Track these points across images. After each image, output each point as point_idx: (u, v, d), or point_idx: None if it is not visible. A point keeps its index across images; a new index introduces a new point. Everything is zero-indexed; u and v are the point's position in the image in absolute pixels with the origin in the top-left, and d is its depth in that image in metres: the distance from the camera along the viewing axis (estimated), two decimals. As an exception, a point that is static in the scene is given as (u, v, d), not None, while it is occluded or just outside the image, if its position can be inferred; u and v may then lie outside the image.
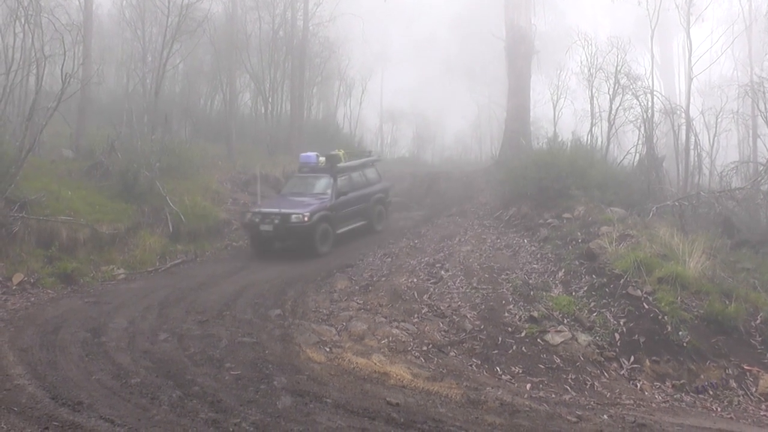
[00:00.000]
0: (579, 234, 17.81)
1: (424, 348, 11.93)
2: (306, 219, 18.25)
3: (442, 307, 13.72)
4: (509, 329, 12.89)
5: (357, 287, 14.83)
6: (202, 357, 10.36)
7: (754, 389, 11.99)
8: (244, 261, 18.16)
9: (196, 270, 16.95)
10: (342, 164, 20.70)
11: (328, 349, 11.32)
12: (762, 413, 11.38)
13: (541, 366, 11.83)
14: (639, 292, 13.87)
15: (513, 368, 11.71)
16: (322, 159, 20.74)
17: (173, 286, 14.78)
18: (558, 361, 12.04)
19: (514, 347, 12.29)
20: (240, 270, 16.93)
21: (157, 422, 7.55)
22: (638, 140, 24.64)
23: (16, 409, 7.51)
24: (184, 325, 12.00)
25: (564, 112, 32.59)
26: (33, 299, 13.05)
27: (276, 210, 18.38)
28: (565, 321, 13.34)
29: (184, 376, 9.49)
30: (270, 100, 33.01)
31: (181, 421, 7.65)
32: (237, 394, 8.93)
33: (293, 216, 18.21)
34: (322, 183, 19.96)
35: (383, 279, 15.35)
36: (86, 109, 23.34)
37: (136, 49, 27.46)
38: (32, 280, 13.76)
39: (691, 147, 22.95)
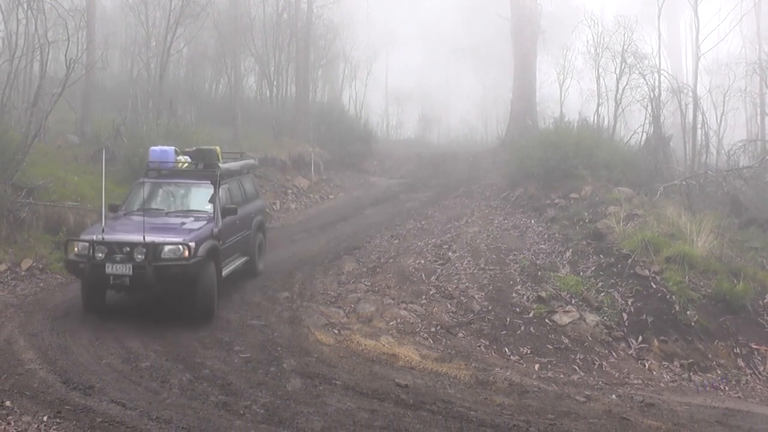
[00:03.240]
0: (586, 214, 17.78)
1: (433, 329, 11.95)
2: (188, 253, 10.85)
3: (449, 289, 13.73)
4: (517, 310, 12.90)
5: (365, 269, 14.84)
6: (212, 340, 10.40)
7: (761, 368, 12.02)
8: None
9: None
10: (225, 167, 13.58)
11: (336, 331, 11.36)
12: (770, 391, 11.40)
13: (549, 346, 11.85)
14: (647, 272, 13.86)
15: (521, 349, 11.73)
16: (182, 158, 13.76)
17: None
18: (566, 341, 12.06)
19: (522, 328, 12.30)
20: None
21: (168, 405, 7.58)
22: (645, 120, 24.56)
23: (28, 393, 7.56)
24: (193, 308, 12.00)
25: (570, 92, 32.54)
26: (42, 284, 13.09)
27: (133, 238, 10.80)
28: (573, 301, 13.35)
29: (194, 359, 9.53)
30: (275, 83, 32.91)
31: (191, 404, 7.68)
32: (247, 376, 8.97)
33: (167, 248, 10.82)
34: (199, 195, 12.71)
35: (391, 261, 15.35)
36: (91, 94, 23.32)
37: (140, 34, 27.36)
38: (41, 266, 13.79)
39: (699, 126, 22.85)
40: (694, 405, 10.13)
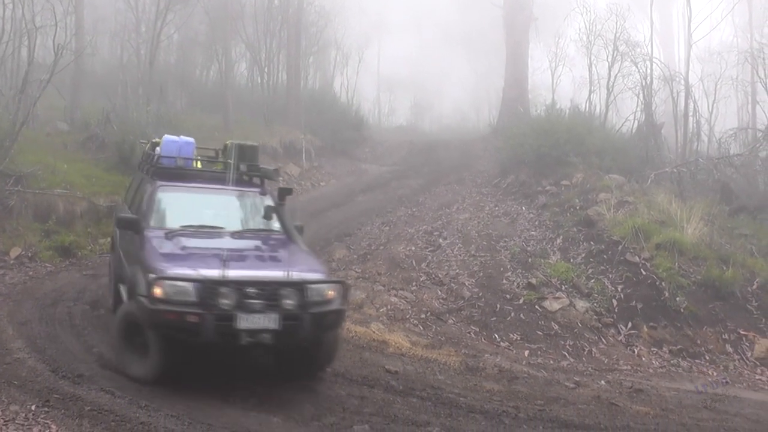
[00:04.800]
0: (577, 201, 17.80)
1: (423, 316, 11.97)
2: (332, 293, 8.09)
3: (440, 275, 13.74)
4: (507, 296, 12.93)
5: (355, 256, 14.83)
6: (203, 326, 10.36)
7: (749, 354, 12.09)
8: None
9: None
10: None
11: (326, 318, 11.33)
12: (757, 377, 11.48)
13: (539, 333, 11.89)
14: (637, 259, 13.91)
15: (511, 335, 11.77)
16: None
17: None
18: (556, 327, 12.10)
19: (512, 314, 12.34)
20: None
21: (157, 393, 7.53)
22: (637, 107, 24.55)
23: (16, 382, 7.51)
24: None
25: (562, 79, 32.51)
26: (31, 273, 13.01)
27: (271, 274, 8.01)
28: (563, 288, 13.38)
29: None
30: (266, 70, 32.76)
31: (181, 391, 7.66)
32: (240, 363, 8.95)
33: (313, 287, 7.92)
34: (249, 207, 10.00)
35: (381, 248, 15.35)
36: (80, 81, 23.18)
37: (130, 20, 27.16)
38: (30, 254, 13.71)
39: (690, 114, 22.85)
40: (682, 390, 10.19)
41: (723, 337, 12.41)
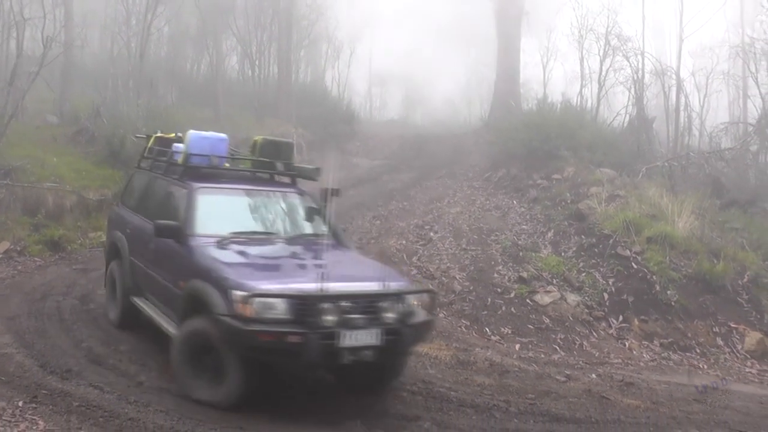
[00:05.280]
0: (568, 195, 17.79)
1: (414, 310, 11.93)
2: (421, 304, 7.63)
3: (431, 269, 13.72)
4: (498, 290, 12.91)
5: (346, 251, 14.78)
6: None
7: (740, 347, 12.14)
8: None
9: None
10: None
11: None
12: (747, 370, 11.53)
13: (530, 326, 11.89)
14: (628, 252, 13.91)
15: (502, 329, 11.76)
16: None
17: (162, 252, 14.66)
18: (547, 321, 12.10)
19: (504, 308, 12.33)
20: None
21: (146, 388, 7.52)
22: (628, 101, 24.59)
23: (3, 378, 7.45)
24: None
25: (554, 73, 32.49)
26: (20, 267, 12.93)
27: (366, 287, 7.38)
28: (554, 281, 13.38)
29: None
30: (257, 63, 32.65)
31: (170, 386, 7.61)
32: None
33: (408, 298, 7.43)
34: (290, 210, 9.34)
35: (372, 241, 15.32)
36: (70, 73, 23.05)
37: (120, 12, 26.98)
38: (19, 248, 13.63)
39: (682, 108, 22.92)
40: (673, 383, 10.21)
41: (714, 330, 12.45)
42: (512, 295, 12.75)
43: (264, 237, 8.60)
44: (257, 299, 6.64)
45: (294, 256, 8.24)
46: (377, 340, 6.94)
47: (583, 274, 13.65)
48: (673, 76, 23.81)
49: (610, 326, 12.31)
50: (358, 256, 8.84)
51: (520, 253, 14.59)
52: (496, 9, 33.47)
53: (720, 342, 12.23)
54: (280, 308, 6.66)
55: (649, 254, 13.74)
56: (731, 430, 8.22)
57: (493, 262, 14.17)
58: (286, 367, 7.39)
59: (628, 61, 24.18)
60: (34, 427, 6.16)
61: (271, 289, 6.84)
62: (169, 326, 8.00)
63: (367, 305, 7.02)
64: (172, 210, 8.71)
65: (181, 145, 9.30)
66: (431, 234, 15.87)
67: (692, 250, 14.07)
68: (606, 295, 12.98)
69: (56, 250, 14.14)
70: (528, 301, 12.58)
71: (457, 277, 13.41)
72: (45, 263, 13.25)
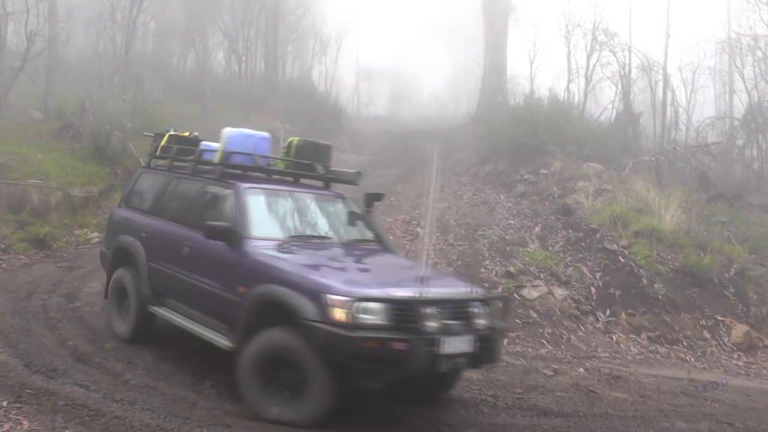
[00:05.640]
0: (555, 189, 17.82)
1: (402, 306, 11.91)
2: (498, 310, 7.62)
3: (418, 265, 13.68)
4: (486, 285, 12.87)
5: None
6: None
7: (726, 339, 12.21)
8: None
9: (171, 232, 16.72)
10: None
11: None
12: (734, 362, 11.60)
13: (517, 321, 11.88)
14: (615, 246, 13.95)
15: (490, 324, 11.74)
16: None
17: (148, 249, 14.58)
18: (534, 315, 12.11)
19: (491, 303, 12.31)
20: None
21: (132, 386, 7.45)
22: (615, 96, 24.65)
23: (-12, 377, 7.40)
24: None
25: (541, 69, 32.55)
26: (4, 265, 12.80)
27: (457, 291, 7.28)
28: (542, 276, 13.39)
29: (160, 339, 9.40)
30: (244, 58, 32.54)
31: (157, 384, 7.57)
32: (213, 356, 8.85)
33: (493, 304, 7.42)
34: (332, 213, 9.03)
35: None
36: (54, 69, 22.83)
37: (105, 7, 26.78)
38: (3, 246, 13.50)
39: (668, 103, 23.02)
40: (660, 376, 10.24)
41: (700, 323, 12.51)
42: (499, 289, 12.74)
43: (319, 241, 8.25)
44: (360, 304, 6.28)
45: (360, 261, 7.99)
46: (471, 347, 6.69)
47: (571, 269, 13.68)
48: (660, 72, 23.91)
49: (597, 320, 12.34)
50: (412, 262, 8.50)
51: (508, 248, 14.59)
52: (484, 4, 33.47)
53: (707, 335, 12.29)
54: (379, 314, 6.32)
55: (636, 248, 13.77)
56: (718, 423, 8.25)
57: (480, 257, 14.16)
58: (380, 377, 6.83)
59: (615, 56, 24.28)
60: (19, 427, 6.09)
61: (374, 293, 6.49)
62: (217, 337, 7.44)
63: (462, 311, 6.83)
64: (211, 212, 8.12)
65: (211, 144, 9.01)
66: (418, 229, 15.85)
67: (679, 243, 14.12)
68: (593, 289, 13.01)
69: (41, 248, 14.03)
70: (515, 295, 12.58)
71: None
72: (30, 261, 13.14)
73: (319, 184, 9.32)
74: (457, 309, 6.77)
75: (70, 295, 11.20)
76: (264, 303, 6.92)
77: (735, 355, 11.88)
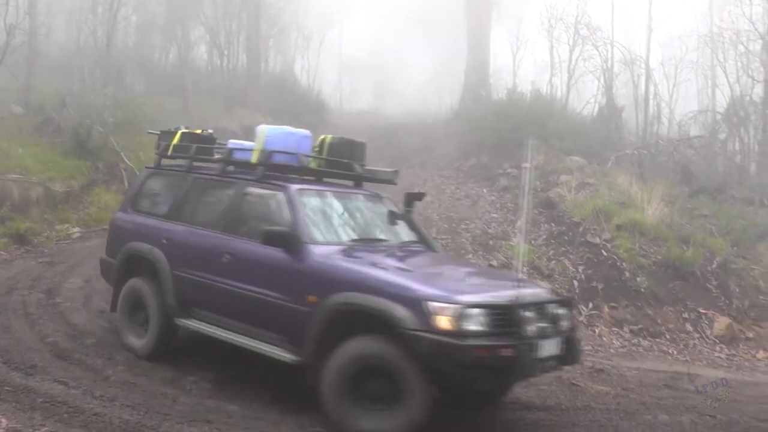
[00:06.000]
0: (538, 183, 17.83)
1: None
2: None
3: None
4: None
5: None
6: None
7: (709, 332, 12.27)
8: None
9: (153, 227, 16.61)
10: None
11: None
12: (716, 355, 11.65)
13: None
14: (597, 240, 13.99)
15: (473, 318, 11.73)
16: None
17: (130, 244, 14.48)
18: (518, 309, 12.09)
19: (475, 297, 12.30)
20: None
21: (113, 383, 7.38)
22: (598, 90, 24.71)
23: (-34, 375, 7.31)
24: (141, 282, 11.78)
25: (524, 63, 32.58)
26: (-16, 261, 12.73)
27: (542, 293, 7.26)
28: (524, 269, 13.37)
29: (141, 334, 9.35)
30: (226, 52, 32.37)
31: (137, 380, 7.50)
32: (196, 351, 8.81)
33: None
34: (374, 214, 8.52)
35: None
36: (35, 62, 22.59)
37: (85, 0, 26.56)
38: (-18, 241, 13.42)
39: (651, 97, 23.09)
40: (643, 369, 10.27)
41: (683, 315, 12.56)
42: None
43: (378, 244, 7.87)
44: (465, 311, 6.05)
45: (431, 264, 7.80)
46: (559, 349, 6.61)
47: (553, 262, 13.71)
48: (643, 66, 23.97)
49: (580, 313, 12.34)
50: (469, 262, 8.43)
51: (490, 242, 14.61)
52: (467, -2, 33.45)
53: (689, 327, 12.34)
54: (482, 320, 6.11)
55: (618, 241, 13.81)
56: (701, 415, 8.27)
57: (463, 251, 14.16)
58: (480, 384, 6.82)
59: (598, 50, 24.33)
60: (-3, 425, 6.04)
61: (477, 299, 6.29)
62: (275, 350, 7.01)
63: (551, 314, 6.68)
64: (255, 216, 7.84)
65: (242, 143, 8.64)
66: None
67: (661, 236, 14.17)
68: (576, 283, 13.04)
69: (22, 243, 13.91)
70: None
71: (428, 267, 13.38)
72: (10, 257, 13.01)
73: (357, 183, 8.93)
74: (547, 312, 6.65)
75: (51, 290, 11.10)
76: (346, 312, 6.57)
77: (717, 348, 11.94)
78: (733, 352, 11.92)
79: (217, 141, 9.22)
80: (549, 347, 6.45)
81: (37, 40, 22.71)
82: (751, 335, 12.44)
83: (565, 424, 7.63)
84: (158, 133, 9.53)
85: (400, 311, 6.13)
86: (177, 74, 29.44)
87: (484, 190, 19.10)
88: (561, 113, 23.95)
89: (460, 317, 6.01)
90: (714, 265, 13.65)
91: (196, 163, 8.80)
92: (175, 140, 8.97)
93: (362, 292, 6.46)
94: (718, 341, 12.12)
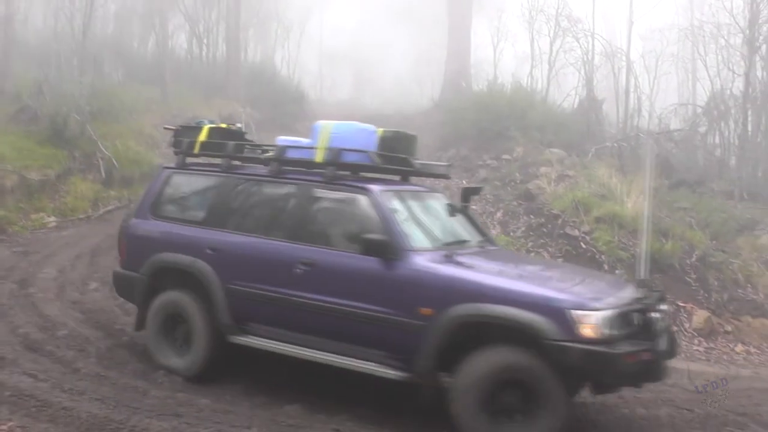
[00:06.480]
0: (518, 175, 17.81)
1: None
2: None
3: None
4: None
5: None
6: (133, 305, 9.96)
7: (687, 325, 12.26)
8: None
9: (129, 217, 16.43)
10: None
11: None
12: (695, 348, 11.66)
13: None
14: (577, 232, 13.95)
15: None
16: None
17: (106, 233, 14.28)
18: (496, 302, 12.04)
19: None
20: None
21: (83, 376, 7.26)
22: (578, 83, 24.70)
23: (-69, 369, 7.15)
24: (116, 273, 11.64)
25: (505, 54, 32.49)
26: (-45, 251, 12.53)
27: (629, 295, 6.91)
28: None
29: (114, 325, 9.22)
30: (205, 42, 32.12)
31: (108, 373, 7.39)
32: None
33: None
34: (439, 213, 7.98)
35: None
36: (11, 49, 22.27)
37: (62, -13, 26.19)
38: (-44, 230, 13.23)
39: (631, 89, 23.07)
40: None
41: (662, 309, 12.55)
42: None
43: (464, 246, 7.51)
44: (605, 317, 6.00)
45: (536, 268, 7.74)
46: (667, 345, 6.57)
47: (532, 254, 13.65)
48: (623, 58, 23.95)
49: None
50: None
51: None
52: (448, -11, 33.39)
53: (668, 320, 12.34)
54: (617, 325, 6.10)
55: (597, 234, 13.79)
56: (678, 408, 8.25)
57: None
58: (611, 390, 6.83)
59: (578, 42, 24.27)
60: (-39, 419, 5.89)
61: (613, 303, 6.27)
62: (379, 368, 6.63)
63: (661, 312, 6.61)
64: (334, 222, 7.45)
65: (296, 139, 8.08)
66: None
67: (641, 229, 14.13)
68: (555, 275, 13.00)
69: (-4, 232, 13.73)
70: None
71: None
72: (-18, 248, 12.84)
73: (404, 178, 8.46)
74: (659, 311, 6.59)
75: (24, 281, 10.97)
76: (472, 324, 6.27)
77: (696, 341, 11.94)
78: (712, 345, 11.92)
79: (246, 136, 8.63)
80: (664, 344, 6.45)
81: (13, 26, 22.40)
82: (729, 329, 12.44)
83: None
84: (176, 128, 8.63)
85: (543, 322, 5.96)
86: (156, 63, 29.14)
87: (464, 182, 19.01)
88: (541, 105, 23.92)
89: (601, 324, 5.94)
90: (693, 259, 13.65)
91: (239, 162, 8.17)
92: (203, 136, 8.21)
93: (490, 302, 6.18)
94: (696, 334, 12.12)
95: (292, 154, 7.66)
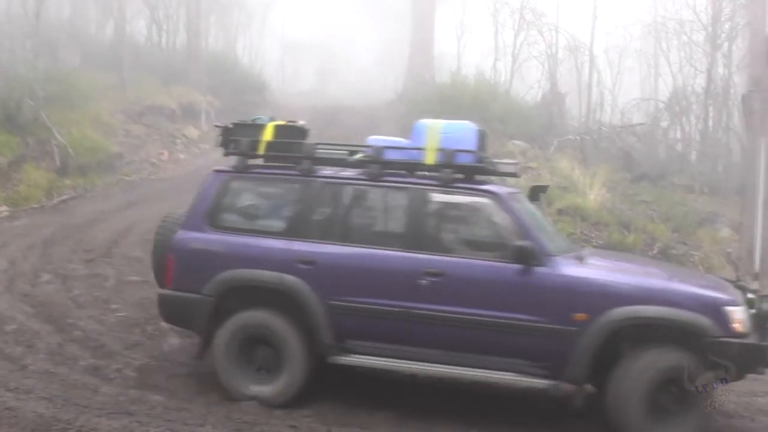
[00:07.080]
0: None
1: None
2: None
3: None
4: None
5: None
6: (87, 298, 9.73)
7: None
8: (136, 196, 17.26)
9: (85, 206, 16.03)
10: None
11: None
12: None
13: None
14: (540, 225, 13.91)
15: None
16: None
17: (60, 223, 13.97)
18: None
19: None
20: (131, 206, 16.12)
21: (31, 373, 6.94)
22: (542, 76, 24.76)
23: None
24: (69, 264, 11.30)
25: (469, 47, 32.48)
26: None
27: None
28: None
29: (66, 319, 8.86)
30: (165, 28, 31.56)
31: (58, 369, 7.08)
32: (121, 337, 8.39)
33: None
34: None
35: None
36: (-40, 33, 21.69)
37: (15, -32, 25.50)
38: None
39: (594, 84, 23.21)
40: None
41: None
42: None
43: (574, 246, 7.57)
44: (747, 312, 6.29)
45: (638, 263, 8.17)
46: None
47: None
48: (587, 53, 24.06)
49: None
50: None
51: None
52: (411, -20, 33.25)
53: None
54: (748, 319, 6.30)
55: (560, 225, 13.73)
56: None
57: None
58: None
59: (542, 36, 24.41)
60: None
61: (742, 299, 6.49)
62: (523, 378, 6.47)
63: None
64: (457, 227, 7.04)
65: (393, 140, 7.50)
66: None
67: (603, 221, 14.21)
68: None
69: (-56, 222, 13.28)
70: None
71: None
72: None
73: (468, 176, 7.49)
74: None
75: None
76: (632, 327, 6.23)
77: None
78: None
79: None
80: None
81: (-38, 8, 21.77)
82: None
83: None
84: (227, 126, 7.48)
85: (704, 320, 6.09)
86: (114, 49, 28.49)
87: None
88: (504, 97, 23.97)
89: (744, 318, 6.19)
90: (655, 251, 13.75)
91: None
92: (268, 135, 7.30)
93: (646, 304, 6.20)
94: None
95: (390, 156, 7.08)
